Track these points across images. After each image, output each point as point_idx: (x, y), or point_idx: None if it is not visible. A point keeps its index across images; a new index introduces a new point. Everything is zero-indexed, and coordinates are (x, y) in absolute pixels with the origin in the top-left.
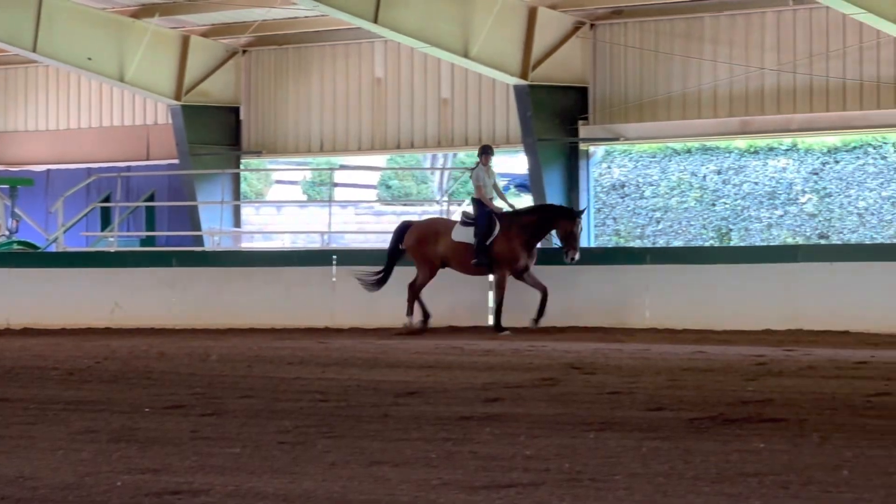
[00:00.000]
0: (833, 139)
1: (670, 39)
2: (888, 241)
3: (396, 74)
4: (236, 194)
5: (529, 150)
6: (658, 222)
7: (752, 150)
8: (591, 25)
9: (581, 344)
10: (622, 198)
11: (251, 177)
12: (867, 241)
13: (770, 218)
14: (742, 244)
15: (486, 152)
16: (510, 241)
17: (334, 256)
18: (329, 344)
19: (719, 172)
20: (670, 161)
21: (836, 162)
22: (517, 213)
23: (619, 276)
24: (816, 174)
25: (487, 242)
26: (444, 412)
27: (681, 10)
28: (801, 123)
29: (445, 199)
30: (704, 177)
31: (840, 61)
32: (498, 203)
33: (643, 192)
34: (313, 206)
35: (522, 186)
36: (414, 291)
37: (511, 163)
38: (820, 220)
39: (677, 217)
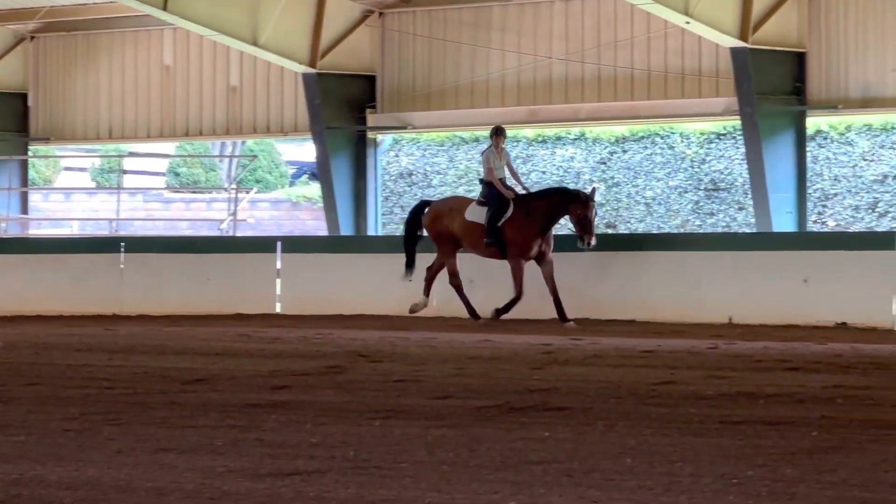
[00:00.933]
0: (621, 129)
1: (459, 28)
2: (675, 231)
3: (186, 62)
4: (24, 181)
5: (318, 138)
6: None
7: (540, 139)
8: (380, 14)
9: (368, 332)
10: (410, 186)
11: (39, 163)
12: (654, 231)
13: None
14: None
15: (497, 133)
16: (523, 225)
17: (122, 244)
18: (116, 331)
19: None
20: (458, 150)
21: (624, 151)
22: (530, 197)
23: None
24: (604, 163)
25: (499, 224)
26: (231, 399)
27: (469, 0)
28: (588, 113)
29: (234, 186)
30: None
31: (628, 51)
32: (513, 186)
33: (431, 180)
34: (102, 193)
35: (313, 175)
36: (432, 272)
37: (300, 151)
38: (607, 210)
39: None
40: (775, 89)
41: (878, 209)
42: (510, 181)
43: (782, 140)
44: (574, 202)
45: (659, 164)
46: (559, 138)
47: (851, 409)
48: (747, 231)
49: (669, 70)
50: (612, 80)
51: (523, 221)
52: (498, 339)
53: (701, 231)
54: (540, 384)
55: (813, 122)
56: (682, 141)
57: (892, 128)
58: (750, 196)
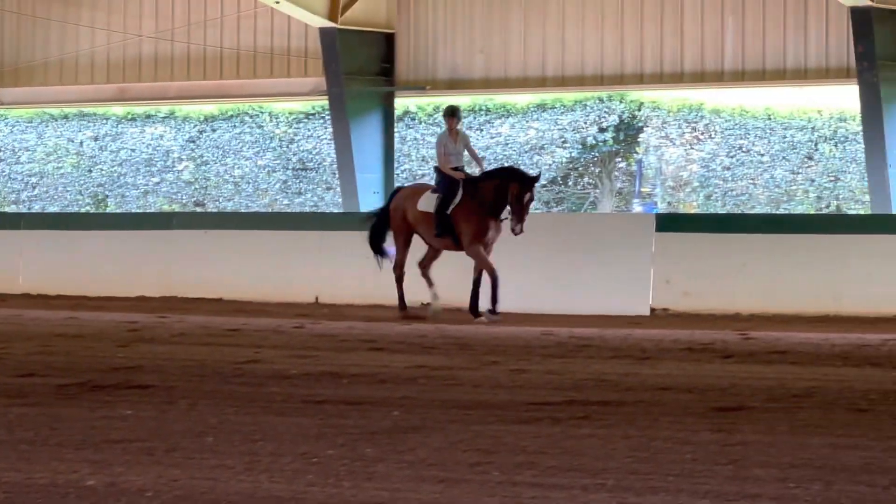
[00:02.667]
0: (210, 107)
1: (47, 4)
2: (263, 210)
3: None
4: None
5: None
6: (34, 188)
7: (129, 116)
8: None
9: None
10: None
11: None
12: (243, 210)
13: (147, 185)
14: (118, 211)
15: (450, 115)
16: (472, 211)
17: None
18: None
19: (96, 139)
20: (47, 126)
21: (213, 130)
22: (478, 179)
23: None
24: (193, 142)
25: (448, 211)
26: None
27: None
28: (178, 91)
29: None
30: (81, 143)
31: (217, 30)
32: (472, 172)
33: (19, 157)
34: None
35: None
36: (423, 268)
37: None
38: (196, 188)
39: (53, 183)
40: (364, 70)
41: None
42: (471, 168)
43: (370, 120)
44: (513, 181)
45: (248, 143)
46: (149, 116)
47: (433, 389)
48: (335, 211)
49: (259, 50)
50: (201, 59)
51: (473, 206)
52: (85, 316)
53: (289, 210)
54: (124, 362)
55: (401, 103)
56: (272, 120)
57: (479, 109)
58: (337, 176)
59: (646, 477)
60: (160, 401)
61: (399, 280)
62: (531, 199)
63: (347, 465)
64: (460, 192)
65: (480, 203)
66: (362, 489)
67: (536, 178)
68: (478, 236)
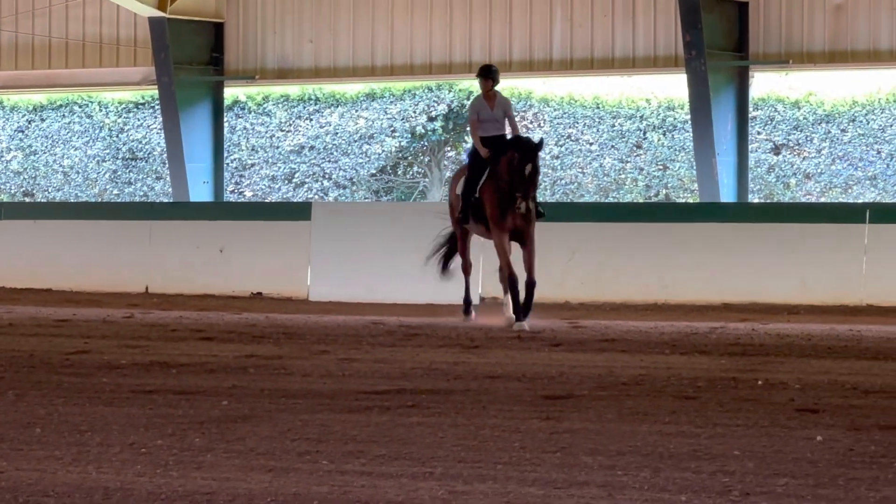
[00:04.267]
0: (39, 97)
1: None
2: (93, 200)
3: None
4: None
5: None
6: None
7: None
8: None
9: None
10: None
11: None
12: (72, 200)
13: None
14: None
15: (482, 75)
16: (493, 191)
17: None
18: None
19: None
20: None
21: (42, 120)
22: (499, 153)
23: None
24: (22, 132)
25: (475, 195)
26: None
27: None
28: (5, 81)
29: None
30: None
31: (45, 19)
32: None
33: None
34: None
35: None
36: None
37: None
38: (25, 178)
39: None
40: (193, 59)
41: (294, 179)
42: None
43: (200, 110)
44: (516, 151)
45: (77, 133)
46: None
47: (262, 379)
48: (164, 201)
49: (88, 39)
50: (29, 48)
51: (494, 186)
52: None
53: (118, 200)
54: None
55: (231, 93)
56: (101, 110)
57: (309, 98)
58: (167, 165)
59: (474, 465)
60: None
61: (466, 276)
62: (534, 171)
63: (176, 455)
64: (488, 170)
65: (499, 182)
66: (191, 479)
67: (538, 146)
68: (497, 222)
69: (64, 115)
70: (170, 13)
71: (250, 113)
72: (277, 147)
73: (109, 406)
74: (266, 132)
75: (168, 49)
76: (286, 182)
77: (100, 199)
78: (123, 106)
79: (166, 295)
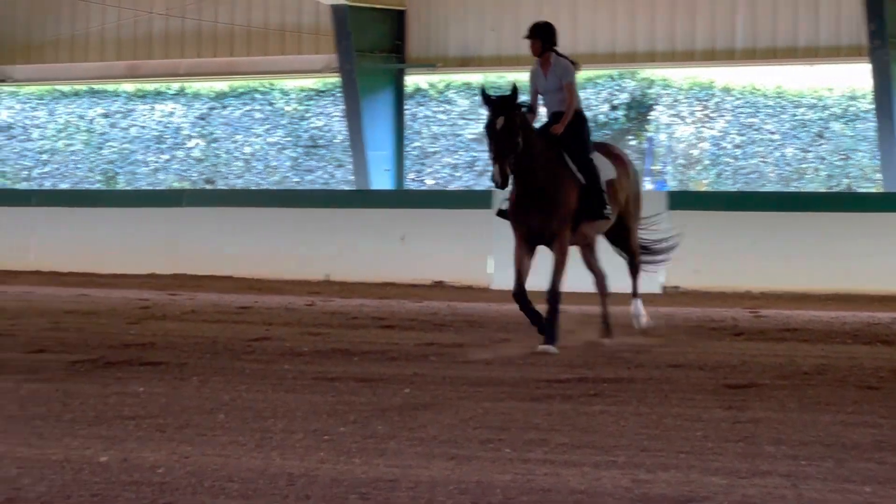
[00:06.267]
0: (221, 85)
1: None
2: (274, 187)
3: None
4: None
5: None
6: (45, 165)
7: (140, 93)
8: None
9: None
10: (9, 139)
11: None
12: (253, 187)
13: (157, 162)
14: (128, 188)
15: (531, 35)
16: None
17: None
18: None
19: (107, 116)
20: (58, 103)
21: (224, 107)
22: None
23: (4, 219)
24: (204, 119)
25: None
26: None
27: None
28: (188, 68)
29: None
30: (92, 120)
31: (229, 7)
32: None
33: (30, 134)
34: None
35: None
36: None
37: None
38: (206, 165)
39: (64, 160)
40: (375, 47)
41: (476, 168)
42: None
43: (381, 98)
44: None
45: (258, 121)
46: (159, 93)
47: (444, 367)
48: (346, 188)
49: (270, 26)
50: (212, 36)
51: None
52: (96, 293)
53: (299, 188)
54: (136, 339)
55: (412, 81)
56: (282, 97)
57: (491, 87)
58: (349, 153)
59: (657, 454)
60: (172, 377)
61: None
62: (507, 129)
63: (359, 443)
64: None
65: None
66: (373, 466)
67: (507, 99)
68: (511, 218)
69: (245, 103)
70: (352, 1)
71: (431, 101)
72: (459, 135)
73: (292, 393)
74: (447, 120)
75: (350, 37)
76: (468, 170)
77: (280, 187)
78: (305, 93)
79: (347, 283)
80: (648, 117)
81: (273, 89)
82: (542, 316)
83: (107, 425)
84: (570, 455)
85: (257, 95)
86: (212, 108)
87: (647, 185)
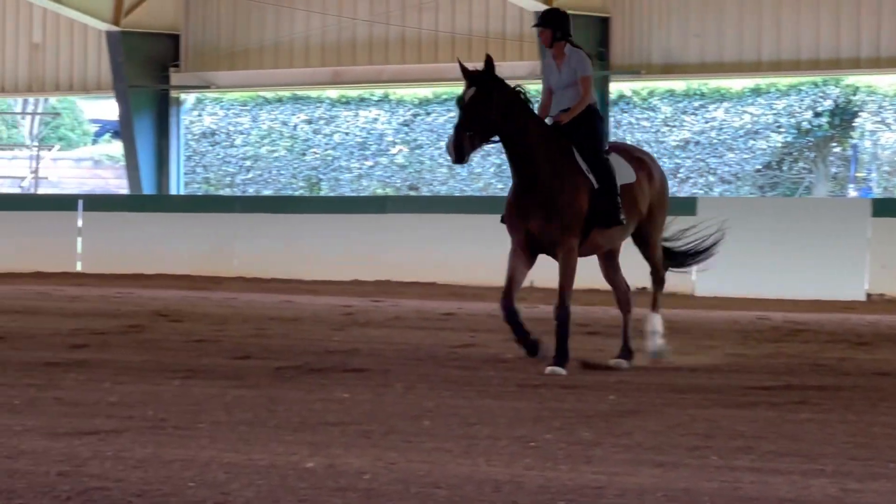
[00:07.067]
0: (424, 91)
1: None
2: (478, 194)
3: None
4: None
5: (120, 97)
6: (248, 171)
7: (343, 100)
8: None
9: (169, 291)
10: (213, 146)
11: None
12: (457, 194)
13: (361, 168)
14: (331, 194)
15: (543, 23)
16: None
17: None
18: None
19: (310, 122)
20: (261, 110)
21: (427, 114)
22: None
23: (208, 225)
24: (407, 125)
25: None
26: (29, 358)
27: None
28: (392, 74)
29: (35, 144)
30: (295, 126)
31: (433, 13)
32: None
33: (234, 140)
34: None
35: (116, 133)
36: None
37: (103, 109)
38: (410, 172)
39: (268, 166)
40: None
41: (679, 174)
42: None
43: None
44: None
45: None
46: (363, 100)
47: (648, 373)
48: None
49: (474, 33)
50: (416, 42)
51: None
52: (299, 300)
53: (503, 194)
54: (340, 345)
55: (616, 87)
56: None
57: (694, 94)
58: None
59: (866, 463)
60: (376, 384)
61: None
62: (473, 101)
63: (564, 449)
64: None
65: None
66: (580, 473)
67: (483, 72)
68: (507, 224)
69: (449, 109)
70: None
71: (635, 107)
72: (662, 142)
73: (497, 399)
74: (651, 127)
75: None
76: (671, 177)
77: (484, 194)
78: None
79: (551, 290)
80: (853, 124)
81: None
82: (530, 334)
83: (312, 431)
84: (776, 463)
85: None
86: (415, 115)
87: (852, 192)
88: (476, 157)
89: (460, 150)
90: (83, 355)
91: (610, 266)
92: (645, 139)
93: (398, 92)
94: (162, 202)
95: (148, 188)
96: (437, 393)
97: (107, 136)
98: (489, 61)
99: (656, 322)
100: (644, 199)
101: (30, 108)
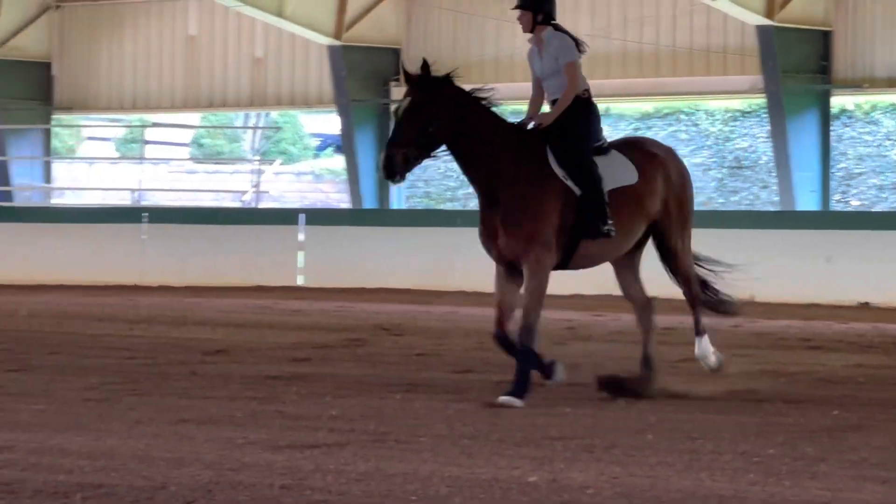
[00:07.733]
0: (646, 105)
1: (484, 1)
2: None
3: (210, 32)
4: (47, 150)
5: (342, 111)
6: (467, 186)
7: None
8: None
9: (390, 305)
10: None
11: (62, 133)
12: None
13: None
14: None
15: (522, 5)
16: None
17: (144, 214)
18: (138, 301)
19: None
20: None
21: (649, 128)
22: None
23: (428, 239)
24: None
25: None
26: (252, 371)
27: None
28: (614, 89)
29: (257, 158)
30: None
31: (654, 27)
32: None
33: None
34: (125, 163)
35: (337, 148)
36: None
37: (324, 123)
38: None
39: None
40: (800, 68)
41: None
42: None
43: (807, 118)
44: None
45: (683, 142)
46: None
47: (872, 389)
48: (770, 209)
49: (695, 47)
50: (637, 57)
51: None
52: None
53: (724, 209)
54: (560, 360)
55: (838, 101)
56: (707, 118)
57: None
58: (774, 174)
59: None
60: (598, 399)
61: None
62: (409, 112)
63: (788, 464)
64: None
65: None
66: (804, 488)
67: (421, 77)
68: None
69: (670, 124)
70: (777, 21)
71: (857, 122)
72: (885, 156)
73: (719, 413)
74: (873, 141)
75: (776, 57)
76: (893, 191)
77: (706, 208)
78: (730, 114)
79: (772, 304)
80: None
81: (698, 110)
82: (542, 356)
83: (534, 445)
84: None
85: (682, 116)
86: (636, 129)
87: None
88: (697, 172)
89: (390, 167)
90: (305, 369)
91: (626, 278)
92: (867, 153)
93: (620, 106)
94: (383, 216)
95: (369, 202)
96: (659, 407)
97: (328, 150)
98: (425, 65)
99: (704, 345)
100: (654, 199)
101: (251, 123)
